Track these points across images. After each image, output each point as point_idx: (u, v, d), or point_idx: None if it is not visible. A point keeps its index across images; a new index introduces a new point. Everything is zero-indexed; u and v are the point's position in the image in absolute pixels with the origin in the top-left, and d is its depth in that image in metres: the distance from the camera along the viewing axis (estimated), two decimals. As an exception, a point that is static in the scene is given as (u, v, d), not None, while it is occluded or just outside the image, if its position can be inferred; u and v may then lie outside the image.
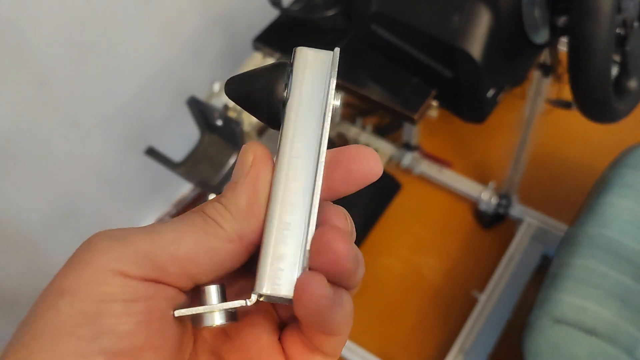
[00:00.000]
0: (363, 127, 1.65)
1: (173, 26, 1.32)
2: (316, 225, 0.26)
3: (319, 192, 0.26)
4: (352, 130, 1.65)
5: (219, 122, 0.87)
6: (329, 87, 0.27)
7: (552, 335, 1.03)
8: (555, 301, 1.05)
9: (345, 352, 1.37)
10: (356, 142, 1.63)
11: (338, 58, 0.28)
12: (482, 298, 1.41)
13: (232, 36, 1.44)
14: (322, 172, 0.26)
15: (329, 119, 0.27)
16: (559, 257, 1.12)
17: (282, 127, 0.26)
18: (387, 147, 1.62)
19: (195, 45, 1.39)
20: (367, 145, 1.48)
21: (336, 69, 0.27)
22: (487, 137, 1.69)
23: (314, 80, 0.27)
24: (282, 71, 0.27)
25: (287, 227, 0.25)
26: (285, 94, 0.26)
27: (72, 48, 1.13)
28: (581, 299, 1.04)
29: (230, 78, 0.27)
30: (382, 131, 1.66)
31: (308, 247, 0.25)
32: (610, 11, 0.69)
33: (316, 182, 0.26)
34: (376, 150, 1.48)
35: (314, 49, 0.28)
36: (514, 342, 1.08)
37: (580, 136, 1.64)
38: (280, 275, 0.25)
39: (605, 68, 0.72)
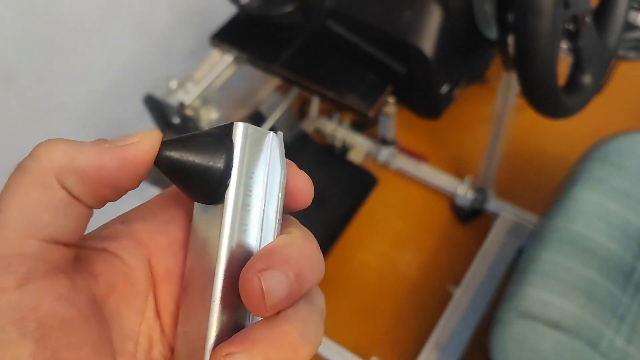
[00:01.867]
0: (340, 122, 1.66)
1: (143, 23, 1.31)
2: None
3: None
4: (329, 126, 1.65)
5: (176, 120, 0.87)
6: (280, 175, 0.25)
7: (517, 330, 1.03)
8: (521, 295, 1.06)
9: (320, 349, 1.37)
10: (333, 137, 1.63)
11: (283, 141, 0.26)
12: (458, 293, 1.41)
13: (203, 33, 1.43)
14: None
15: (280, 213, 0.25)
16: (527, 252, 1.12)
17: (225, 210, 0.24)
18: (363, 142, 1.63)
19: (166, 42, 1.38)
20: (344, 140, 1.48)
21: (284, 156, 0.25)
22: (463, 131, 1.68)
23: (259, 163, 0.25)
24: (225, 148, 0.24)
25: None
26: (224, 173, 0.24)
27: (38, 45, 1.13)
28: (547, 293, 1.04)
29: (165, 142, 0.24)
30: (358, 126, 1.67)
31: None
32: (553, 7, 0.69)
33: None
34: (353, 145, 1.49)
35: (253, 126, 0.25)
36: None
37: (556, 130, 1.64)
38: None
39: (549, 64, 0.71)
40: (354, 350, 1.37)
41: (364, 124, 1.67)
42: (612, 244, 1.08)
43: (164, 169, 0.25)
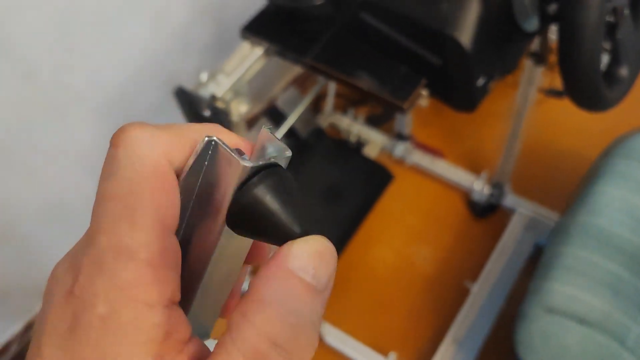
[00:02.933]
0: (355, 118, 1.65)
1: (161, 16, 1.30)
2: None
3: None
4: (344, 121, 1.64)
5: (207, 113, 0.86)
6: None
7: (543, 325, 1.03)
8: (546, 291, 1.05)
9: (337, 343, 1.37)
10: (348, 132, 1.62)
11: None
12: (475, 288, 1.40)
13: (221, 26, 1.43)
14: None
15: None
16: (550, 247, 1.12)
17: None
18: (379, 138, 1.62)
19: (183, 35, 1.38)
20: (360, 135, 1.47)
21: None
22: (479, 127, 1.68)
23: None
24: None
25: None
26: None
27: (59, 38, 1.12)
28: (572, 288, 1.04)
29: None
30: (374, 121, 1.66)
31: None
32: (600, -2, 0.68)
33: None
34: (368, 140, 1.48)
35: (226, 149, 0.23)
36: (507, 332, 1.08)
37: (573, 126, 1.64)
38: None
39: (595, 56, 0.71)
40: (372, 345, 1.36)
41: (379, 119, 1.67)
42: (637, 239, 1.07)
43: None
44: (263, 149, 0.25)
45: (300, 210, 0.23)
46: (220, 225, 0.24)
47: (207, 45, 1.45)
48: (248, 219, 0.23)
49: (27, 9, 1.04)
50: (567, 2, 0.68)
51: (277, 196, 0.23)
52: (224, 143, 0.23)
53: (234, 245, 0.25)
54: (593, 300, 1.03)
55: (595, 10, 0.68)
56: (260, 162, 0.23)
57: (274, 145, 0.25)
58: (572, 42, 0.70)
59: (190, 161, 0.24)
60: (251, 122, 1.56)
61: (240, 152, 0.24)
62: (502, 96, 1.66)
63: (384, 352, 1.35)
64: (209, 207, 0.24)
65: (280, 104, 1.38)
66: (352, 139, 1.63)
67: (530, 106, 1.25)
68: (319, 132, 1.51)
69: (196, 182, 0.24)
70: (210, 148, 0.23)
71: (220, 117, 0.85)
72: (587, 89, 0.75)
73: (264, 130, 0.25)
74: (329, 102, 1.64)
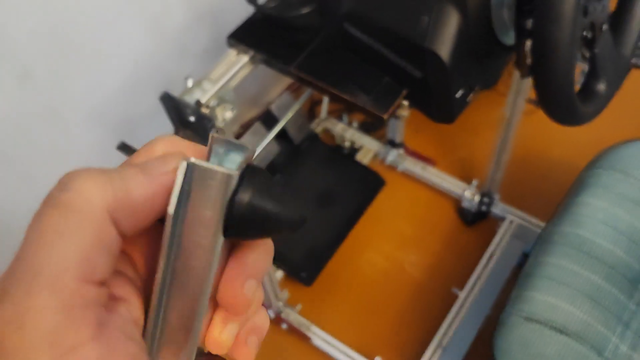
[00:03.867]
0: (349, 124, 1.67)
1: (158, 20, 1.32)
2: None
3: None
4: (339, 126, 1.66)
5: (192, 118, 0.88)
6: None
7: (522, 333, 1.04)
8: (527, 299, 1.07)
9: (325, 347, 1.38)
10: (342, 138, 1.64)
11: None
12: (462, 295, 1.42)
13: (217, 32, 1.45)
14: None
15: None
16: (533, 256, 1.13)
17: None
18: (372, 144, 1.64)
19: (180, 39, 1.40)
20: (353, 141, 1.49)
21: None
22: (471, 136, 1.69)
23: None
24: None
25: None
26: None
27: (54, 41, 1.14)
28: (553, 297, 1.05)
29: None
30: (367, 128, 1.67)
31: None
32: (574, 15, 0.69)
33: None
34: (362, 146, 1.50)
35: (208, 166, 0.24)
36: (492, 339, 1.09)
37: (563, 136, 1.65)
38: None
39: (567, 71, 0.72)
40: (359, 349, 1.38)
41: (372, 126, 1.68)
42: (618, 251, 1.08)
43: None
44: (220, 153, 0.25)
45: (290, 198, 0.24)
46: (218, 239, 0.24)
47: (204, 51, 1.47)
48: (248, 224, 0.24)
49: (24, 12, 1.06)
50: (540, 18, 0.70)
51: (268, 194, 0.24)
52: (202, 161, 0.23)
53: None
54: (573, 310, 1.04)
55: (567, 26, 0.70)
56: (242, 167, 0.24)
57: (231, 147, 0.25)
58: (544, 58, 0.72)
59: (176, 190, 0.24)
60: (247, 126, 1.59)
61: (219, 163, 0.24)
62: (493, 106, 1.67)
63: (370, 356, 1.37)
64: (203, 226, 0.24)
65: (274, 109, 1.40)
66: (346, 144, 1.65)
67: (519, 116, 1.27)
68: (313, 138, 1.53)
69: (185, 207, 0.24)
70: (191, 170, 0.23)
71: (205, 122, 0.87)
72: (561, 104, 0.76)
73: (215, 135, 0.25)
74: (324, 108, 1.66)
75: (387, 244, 1.56)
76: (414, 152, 1.64)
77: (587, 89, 0.84)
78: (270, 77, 1.69)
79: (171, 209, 0.24)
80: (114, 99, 1.34)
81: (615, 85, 0.86)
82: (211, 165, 0.23)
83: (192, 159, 0.23)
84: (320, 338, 1.39)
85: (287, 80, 1.72)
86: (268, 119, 1.43)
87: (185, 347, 0.26)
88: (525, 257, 1.49)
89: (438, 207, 1.60)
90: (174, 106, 0.89)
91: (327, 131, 1.69)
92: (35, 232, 0.23)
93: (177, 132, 0.93)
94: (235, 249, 0.27)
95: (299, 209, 0.25)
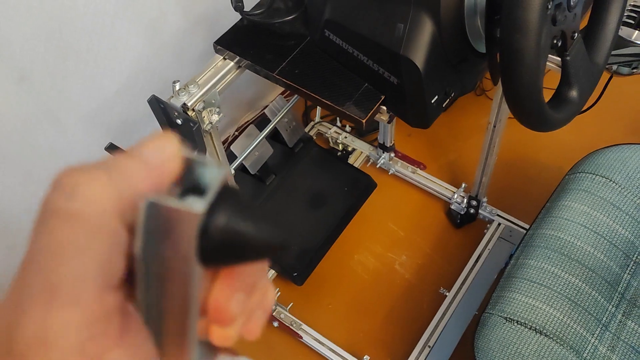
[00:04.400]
0: (342, 127, 1.70)
1: (156, 25, 1.35)
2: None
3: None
4: (332, 130, 1.69)
5: (179, 121, 0.91)
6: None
7: (502, 333, 1.06)
8: (507, 300, 1.09)
9: (315, 345, 1.41)
10: (335, 141, 1.67)
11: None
12: (449, 295, 1.44)
13: (213, 37, 1.47)
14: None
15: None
16: (515, 259, 1.16)
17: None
18: (364, 147, 1.67)
19: (177, 45, 1.42)
20: (345, 145, 1.52)
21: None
22: (461, 140, 1.72)
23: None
24: None
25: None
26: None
27: (52, 45, 1.17)
28: (533, 299, 1.07)
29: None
30: (360, 131, 1.70)
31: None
32: (538, 24, 0.72)
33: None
34: (354, 150, 1.53)
35: (172, 206, 0.22)
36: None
37: (552, 140, 1.67)
38: None
39: (534, 79, 0.75)
40: (348, 348, 1.41)
41: (365, 130, 1.71)
42: (599, 254, 1.11)
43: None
44: (191, 177, 0.24)
45: (268, 221, 0.23)
46: (194, 270, 0.23)
47: (201, 55, 1.50)
48: (225, 251, 0.23)
49: (22, 15, 1.09)
50: (506, 28, 0.72)
51: (244, 218, 0.23)
52: (165, 199, 0.22)
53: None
54: (552, 311, 1.06)
55: (533, 36, 0.72)
56: (210, 195, 0.22)
57: (204, 168, 0.24)
58: (511, 67, 0.74)
59: (139, 230, 0.22)
60: (243, 130, 1.61)
61: (192, 190, 0.23)
62: (483, 111, 1.70)
63: (359, 354, 1.40)
64: (176, 260, 0.23)
65: (268, 112, 1.43)
66: (339, 147, 1.68)
67: (504, 121, 1.29)
68: (306, 140, 1.56)
69: (154, 243, 0.23)
70: (154, 209, 0.22)
71: (190, 125, 0.90)
72: (528, 111, 0.79)
73: (188, 157, 0.24)
74: (317, 112, 1.69)
75: (377, 245, 1.59)
76: (404, 156, 1.67)
77: (559, 95, 0.86)
78: (266, 82, 1.72)
79: (138, 250, 0.23)
80: (110, 102, 1.36)
81: (587, 92, 0.89)
82: (175, 202, 0.22)
83: (155, 197, 0.22)
84: (310, 336, 1.42)
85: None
86: (262, 122, 1.46)
87: (185, 355, 0.25)
88: (511, 259, 1.52)
89: (428, 209, 1.63)
90: (161, 109, 0.92)
91: (320, 134, 1.72)
92: (47, 245, 0.22)
93: (165, 135, 0.96)
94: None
95: (279, 231, 0.23)
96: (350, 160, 1.65)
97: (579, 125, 1.21)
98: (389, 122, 1.47)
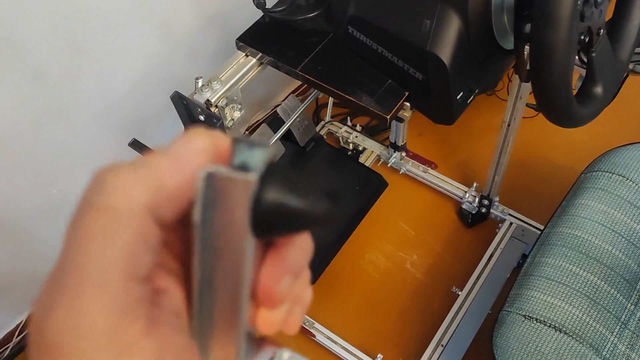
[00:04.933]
0: (353, 127, 1.69)
1: (169, 24, 1.34)
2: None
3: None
4: (342, 129, 1.69)
5: (202, 118, 0.91)
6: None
7: (521, 331, 1.06)
8: (526, 298, 1.09)
9: (327, 343, 1.41)
10: (346, 140, 1.67)
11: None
12: (462, 294, 1.44)
13: (226, 34, 1.47)
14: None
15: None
16: (531, 257, 1.15)
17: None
18: (375, 146, 1.66)
19: (189, 42, 1.42)
20: (356, 144, 1.52)
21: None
22: (472, 140, 1.72)
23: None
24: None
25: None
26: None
27: (66, 43, 1.16)
28: (551, 296, 1.07)
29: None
30: (370, 131, 1.70)
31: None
32: (570, 19, 0.72)
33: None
34: (364, 149, 1.53)
35: (227, 174, 0.24)
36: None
37: (563, 140, 1.67)
38: None
39: (564, 74, 0.75)
40: (360, 347, 1.40)
41: (375, 129, 1.71)
42: (617, 252, 1.10)
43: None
44: (241, 155, 0.25)
45: (314, 194, 0.24)
46: (247, 241, 0.24)
47: (213, 53, 1.49)
48: (275, 222, 0.24)
49: (38, 13, 1.08)
50: (537, 23, 0.72)
51: (291, 192, 0.24)
52: (222, 170, 0.23)
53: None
54: (571, 309, 1.06)
55: (564, 31, 0.72)
56: (260, 169, 0.24)
57: (253, 146, 0.25)
58: (542, 62, 0.74)
59: (198, 199, 0.24)
60: (254, 128, 1.61)
61: (242, 168, 0.24)
62: (494, 111, 1.71)
63: (371, 353, 1.39)
64: (231, 230, 0.24)
65: (280, 111, 1.43)
66: (350, 146, 1.67)
67: (518, 120, 1.29)
68: (318, 140, 1.56)
69: (211, 213, 0.24)
70: (211, 179, 0.23)
71: (213, 121, 0.90)
72: (558, 106, 0.79)
73: (236, 136, 0.25)
74: (328, 111, 1.68)
75: (389, 245, 1.59)
76: (416, 155, 1.66)
77: (584, 92, 0.86)
78: (277, 81, 1.72)
79: (196, 218, 0.24)
80: (122, 100, 1.36)
81: (611, 88, 0.89)
82: (230, 172, 0.23)
83: (212, 168, 0.23)
84: (323, 335, 1.42)
85: (293, 84, 1.75)
86: (274, 121, 1.45)
87: (234, 338, 0.26)
88: (524, 258, 1.52)
89: (439, 208, 1.62)
90: (184, 105, 0.92)
91: (331, 134, 1.72)
92: (77, 236, 0.23)
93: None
94: (273, 245, 0.27)
95: (324, 203, 0.24)
96: (361, 160, 1.64)
97: (591, 124, 1.21)
98: (400, 122, 1.47)
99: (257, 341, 0.29)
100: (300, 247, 0.27)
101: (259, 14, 1.00)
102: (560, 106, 0.79)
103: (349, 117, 1.71)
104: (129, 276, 0.23)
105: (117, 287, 0.22)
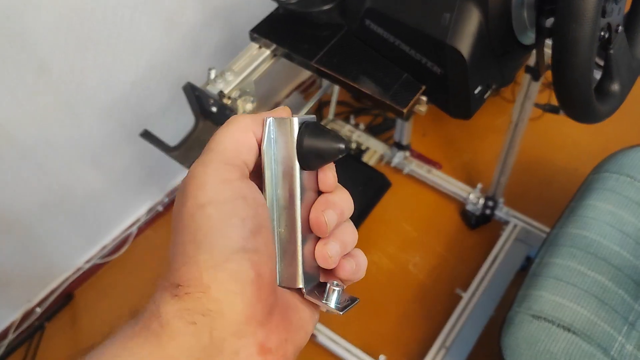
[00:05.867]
0: (356, 126, 1.68)
1: (173, 18, 1.34)
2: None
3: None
4: (345, 128, 1.68)
5: (214, 109, 0.90)
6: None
7: (530, 330, 1.05)
8: (534, 298, 1.08)
9: (329, 344, 1.39)
10: (349, 139, 1.66)
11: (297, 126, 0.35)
12: (466, 296, 1.43)
13: (231, 28, 1.46)
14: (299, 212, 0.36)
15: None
16: (539, 257, 1.15)
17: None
18: (378, 146, 1.65)
19: (194, 37, 1.41)
20: (359, 143, 1.51)
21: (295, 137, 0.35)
22: (477, 140, 1.72)
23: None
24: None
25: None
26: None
27: (72, 36, 1.15)
28: (560, 296, 1.07)
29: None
30: (374, 130, 1.69)
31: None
32: (594, 14, 0.71)
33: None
34: (368, 148, 1.51)
35: (281, 118, 0.35)
36: (495, 340, 1.10)
37: (568, 142, 1.67)
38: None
39: (587, 70, 0.74)
40: (363, 347, 1.39)
41: (379, 128, 1.70)
42: (625, 253, 1.10)
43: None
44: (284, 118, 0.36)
45: (334, 137, 0.35)
46: (296, 166, 0.34)
47: (217, 49, 1.49)
48: (312, 156, 0.34)
49: (44, 7, 1.07)
50: (562, 17, 0.72)
51: (319, 137, 0.34)
52: (276, 118, 0.35)
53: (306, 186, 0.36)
54: (580, 309, 1.05)
55: (589, 26, 0.72)
56: (301, 123, 0.35)
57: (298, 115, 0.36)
58: (565, 56, 0.74)
59: (264, 135, 0.35)
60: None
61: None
62: (499, 112, 1.70)
63: (374, 354, 1.38)
64: (285, 161, 0.35)
65: (284, 108, 1.41)
66: (353, 145, 1.66)
67: (526, 120, 1.29)
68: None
69: (270, 148, 0.35)
70: (271, 123, 0.35)
71: (226, 113, 0.89)
72: (579, 102, 0.78)
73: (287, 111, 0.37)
74: (331, 109, 1.67)
75: (391, 245, 1.58)
76: (419, 155, 1.66)
77: (602, 89, 0.86)
78: (279, 77, 1.71)
79: (263, 151, 0.35)
80: (127, 94, 1.35)
81: (628, 85, 0.89)
82: (282, 117, 0.35)
83: (270, 117, 0.35)
84: (325, 336, 1.40)
85: (296, 81, 1.74)
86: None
87: (294, 258, 0.35)
88: (529, 260, 1.51)
89: (443, 209, 1.62)
90: (196, 96, 0.90)
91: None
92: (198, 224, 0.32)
93: (197, 122, 0.95)
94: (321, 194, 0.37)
95: (341, 142, 0.34)
96: (364, 159, 1.63)
97: (594, 126, 1.21)
98: (406, 119, 1.47)
99: (317, 272, 0.38)
100: (338, 194, 0.37)
101: (265, 7, 0.99)
102: (581, 101, 0.79)
103: (352, 116, 1.70)
104: (236, 152, 0.34)
105: (226, 162, 0.34)
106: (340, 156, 0.35)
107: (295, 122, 0.34)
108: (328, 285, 0.37)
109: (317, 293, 0.37)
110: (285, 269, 0.36)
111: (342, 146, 0.35)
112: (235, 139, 0.34)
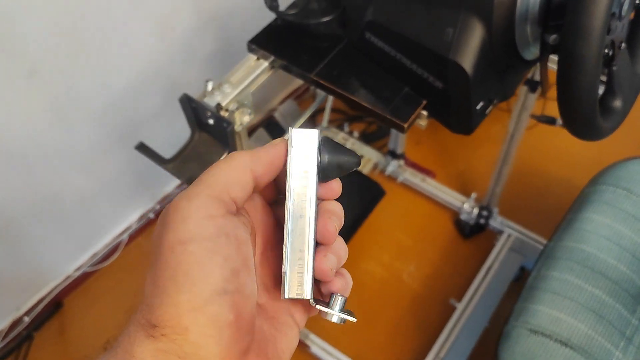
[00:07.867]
0: (350, 133, 1.67)
1: (166, 24, 1.32)
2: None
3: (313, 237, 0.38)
4: (339, 136, 1.66)
5: (211, 121, 0.88)
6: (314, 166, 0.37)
7: (527, 345, 1.05)
8: (532, 312, 1.07)
9: (323, 355, 1.38)
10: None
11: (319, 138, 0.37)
12: (460, 306, 1.43)
13: (225, 36, 1.44)
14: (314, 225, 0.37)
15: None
16: (536, 270, 1.14)
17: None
18: (372, 154, 1.64)
19: (188, 44, 1.39)
20: (354, 150, 1.50)
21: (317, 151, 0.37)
22: (472, 149, 1.71)
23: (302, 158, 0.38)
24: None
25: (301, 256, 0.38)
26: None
27: (64, 41, 1.13)
28: (557, 310, 1.06)
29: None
30: (368, 138, 1.68)
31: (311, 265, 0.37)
32: (601, 32, 0.71)
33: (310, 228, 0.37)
34: (362, 156, 1.51)
35: (303, 129, 0.37)
36: (489, 351, 1.10)
37: (562, 152, 1.67)
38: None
39: (592, 86, 0.73)
40: (356, 358, 1.38)
41: (373, 136, 1.69)
42: (622, 266, 1.10)
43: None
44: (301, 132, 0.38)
45: (349, 152, 0.38)
46: (315, 181, 0.36)
47: (211, 55, 1.47)
48: (330, 170, 0.37)
49: (35, 11, 1.05)
50: (568, 33, 0.71)
51: (336, 153, 0.37)
52: (299, 129, 0.37)
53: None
54: (577, 323, 1.05)
55: (595, 42, 0.71)
56: (320, 136, 0.37)
57: (308, 129, 0.38)
58: (571, 73, 0.73)
59: (290, 144, 0.36)
60: (251, 132, 1.58)
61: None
62: (495, 120, 1.69)
63: (367, 365, 1.37)
64: (305, 173, 0.37)
65: (278, 115, 1.40)
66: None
67: (522, 131, 1.28)
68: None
69: (294, 159, 0.37)
70: (294, 133, 0.37)
71: (223, 126, 0.87)
72: (584, 119, 0.78)
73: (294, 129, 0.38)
74: (325, 117, 1.66)
75: (385, 254, 1.56)
76: (414, 164, 1.65)
77: (604, 105, 0.85)
78: (272, 85, 1.69)
79: (288, 163, 0.37)
80: (118, 99, 1.33)
81: (630, 102, 0.88)
82: (304, 128, 0.37)
83: (294, 129, 0.37)
84: (318, 346, 1.39)
85: (289, 88, 1.72)
86: (271, 125, 1.43)
87: (306, 268, 0.37)
88: (523, 270, 1.51)
89: (437, 218, 1.61)
90: (193, 108, 0.89)
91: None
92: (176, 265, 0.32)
93: (193, 134, 0.93)
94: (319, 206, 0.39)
95: (357, 156, 0.38)
96: (358, 167, 1.62)
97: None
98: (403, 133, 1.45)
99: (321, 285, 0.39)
100: (334, 203, 0.38)
101: (260, 16, 0.98)
102: (585, 118, 0.78)
103: (346, 123, 1.69)
104: (235, 189, 0.35)
105: (219, 193, 0.34)
106: (355, 169, 0.38)
107: (318, 135, 0.37)
108: (334, 295, 0.39)
109: (322, 304, 0.39)
110: (295, 280, 0.37)
111: (358, 160, 0.38)
112: (228, 175, 0.35)
